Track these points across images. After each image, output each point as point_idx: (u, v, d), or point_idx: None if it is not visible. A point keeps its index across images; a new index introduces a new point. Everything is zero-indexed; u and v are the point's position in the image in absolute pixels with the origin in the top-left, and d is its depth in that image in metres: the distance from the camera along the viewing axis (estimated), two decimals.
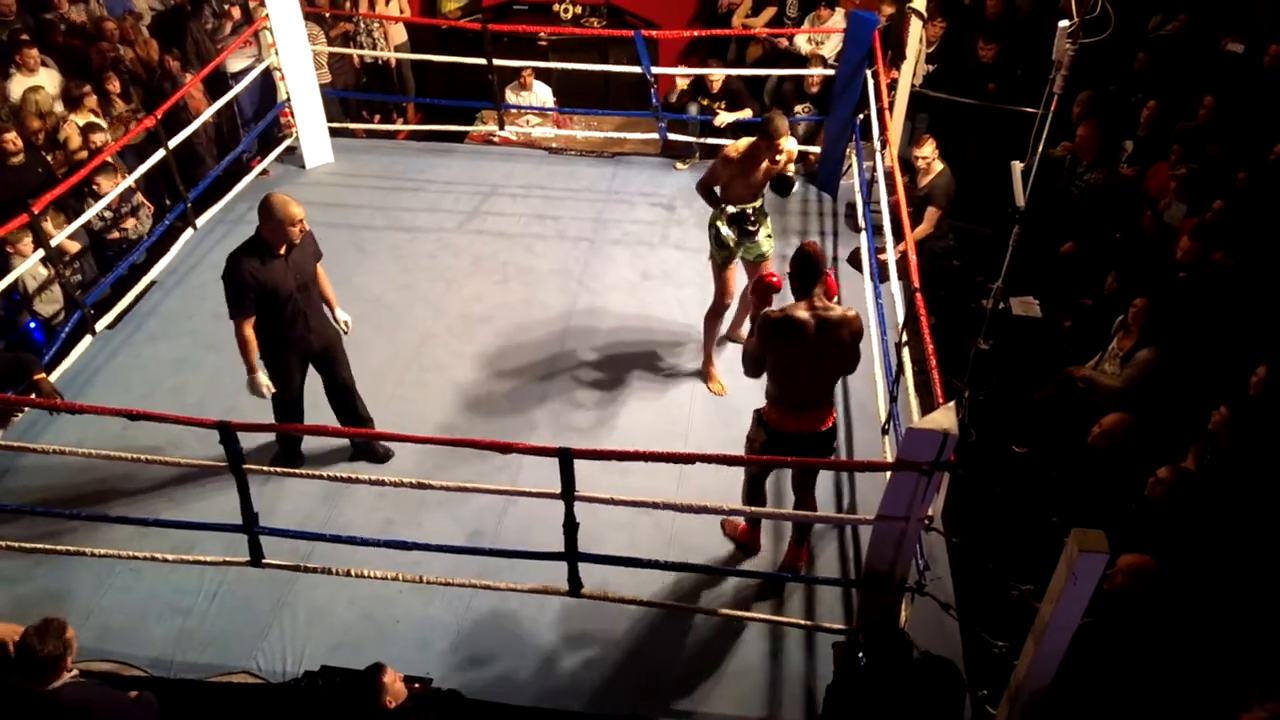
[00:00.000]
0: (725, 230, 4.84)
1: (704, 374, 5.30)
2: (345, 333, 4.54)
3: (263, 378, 4.28)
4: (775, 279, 4.06)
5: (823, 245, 6.48)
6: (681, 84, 7.34)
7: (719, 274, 5.00)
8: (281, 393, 4.43)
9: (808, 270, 3.75)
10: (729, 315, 5.25)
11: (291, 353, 4.36)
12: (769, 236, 5.01)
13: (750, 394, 5.20)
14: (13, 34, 6.80)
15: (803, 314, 3.71)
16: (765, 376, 3.91)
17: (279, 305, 4.17)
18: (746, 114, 6.96)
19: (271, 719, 3.87)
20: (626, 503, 3.68)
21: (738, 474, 4.28)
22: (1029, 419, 5.25)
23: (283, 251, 4.14)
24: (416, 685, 3.54)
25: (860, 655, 3.29)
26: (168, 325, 5.78)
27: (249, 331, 4.17)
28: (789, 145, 4.67)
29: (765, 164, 4.68)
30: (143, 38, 7.42)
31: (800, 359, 3.75)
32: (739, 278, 5.06)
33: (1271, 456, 4.03)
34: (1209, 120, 5.84)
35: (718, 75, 6.92)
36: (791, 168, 4.79)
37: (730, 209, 4.84)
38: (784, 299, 3.93)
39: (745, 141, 4.71)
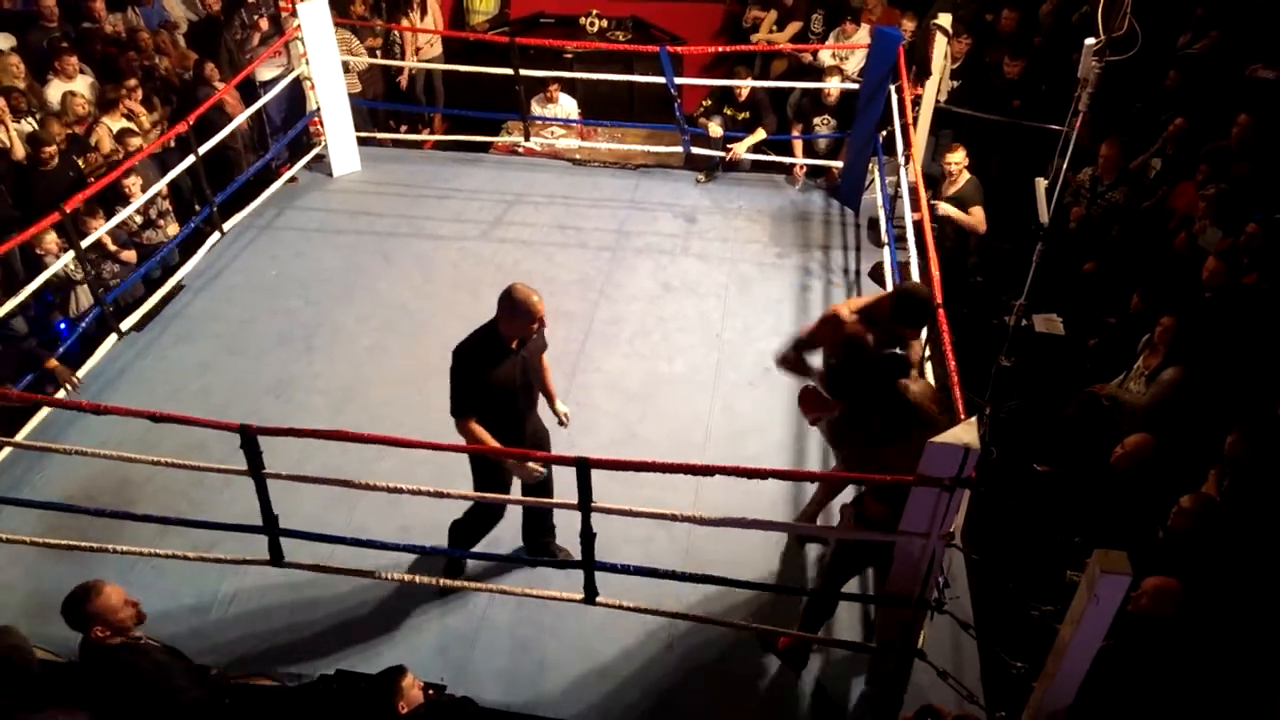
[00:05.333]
0: None
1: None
2: (564, 425, 4.12)
3: (532, 464, 3.74)
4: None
5: (845, 259, 6.49)
6: (707, 103, 7.36)
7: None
8: (496, 484, 3.98)
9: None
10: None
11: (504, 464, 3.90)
12: None
13: (764, 408, 5.19)
14: (53, 41, 6.95)
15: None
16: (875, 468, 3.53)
17: (501, 404, 3.73)
18: (760, 135, 6.95)
19: None
20: (644, 514, 3.67)
21: (755, 486, 4.24)
22: (1051, 437, 5.20)
23: (515, 346, 3.74)
24: (430, 691, 3.55)
25: None
26: (193, 328, 5.86)
27: (476, 427, 3.72)
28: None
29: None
30: (179, 48, 7.58)
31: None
32: None
33: None
34: (1241, 139, 5.76)
35: (744, 86, 6.94)
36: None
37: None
38: None
39: (860, 301, 3.92)
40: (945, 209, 6.05)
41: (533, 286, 6.28)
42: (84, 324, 5.49)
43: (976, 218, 6.14)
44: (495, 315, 3.70)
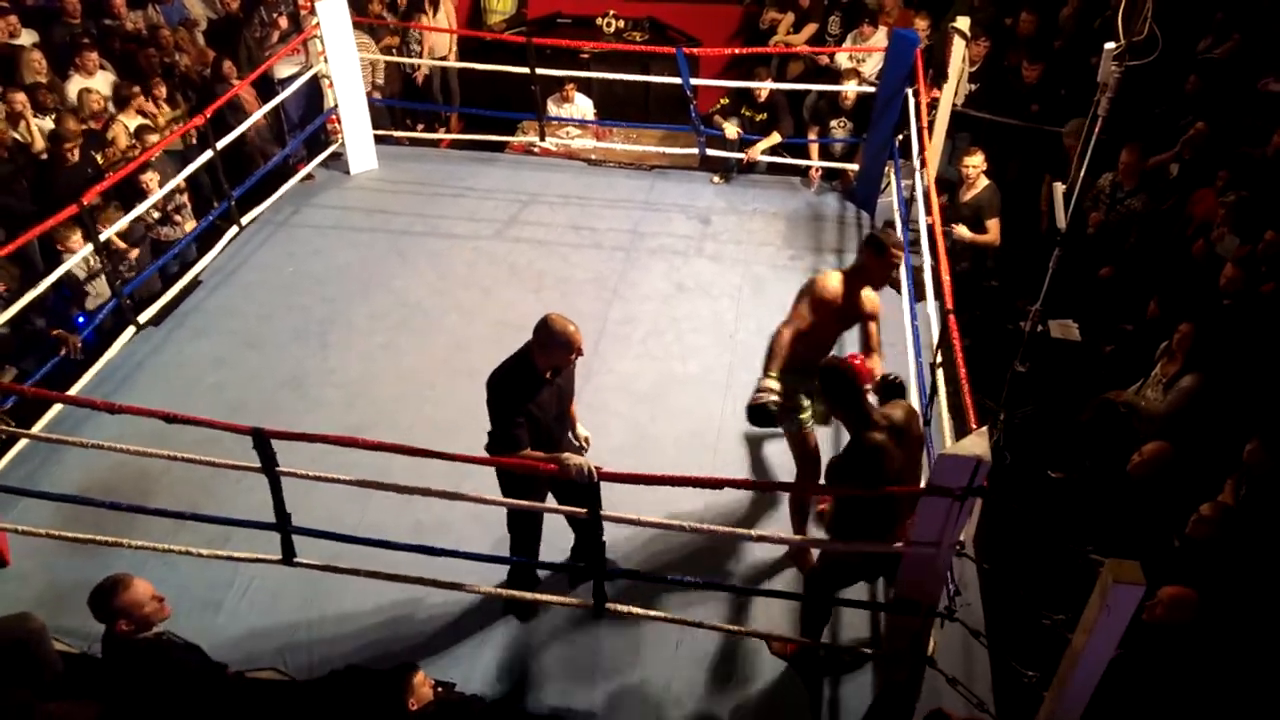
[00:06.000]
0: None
1: (799, 564, 4.37)
2: (585, 449, 4.01)
3: (576, 457, 3.54)
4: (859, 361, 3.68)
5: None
6: (724, 101, 7.35)
7: (799, 440, 4.22)
8: (525, 521, 3.99)
9: (846, 392, 3.34)
10: None
11: (540, 481, 3.85)
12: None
13: None
14: (74, 37, 7.02)
15: (879, 437, 3.32)
16: None
17: (536, 436, 3.64)
18: (775, 139, 6.93)
19: (296, 714, 3.91)
20: (655, 524, 3.66)
21: (766, 495, 4.24)
22: (1065, 444, 5.17)
23: (549, 375, 3.66)
24: (440, 689, 3.57)
25: None
26: (210, 322, 5.90)
27: (527, 451, 3.62)
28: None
29: (865, 293, 3.99)
30: (198, 45, 7.64)
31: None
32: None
33: None
34: None
35: (763, 87, 6.93)
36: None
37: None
38: None
39: (836, 276, 3.96)
40: (960, 232, 6.02)
41: (546, 285, 6.32)
42: (100, 315, 5.53)
43: (992, 233, 6.11)
44: (528, 344, 3.63)
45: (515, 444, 3.59)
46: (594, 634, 4.09)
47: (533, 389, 3.59)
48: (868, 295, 4.02)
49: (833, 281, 3.97)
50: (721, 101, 7.26)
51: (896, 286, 6.01)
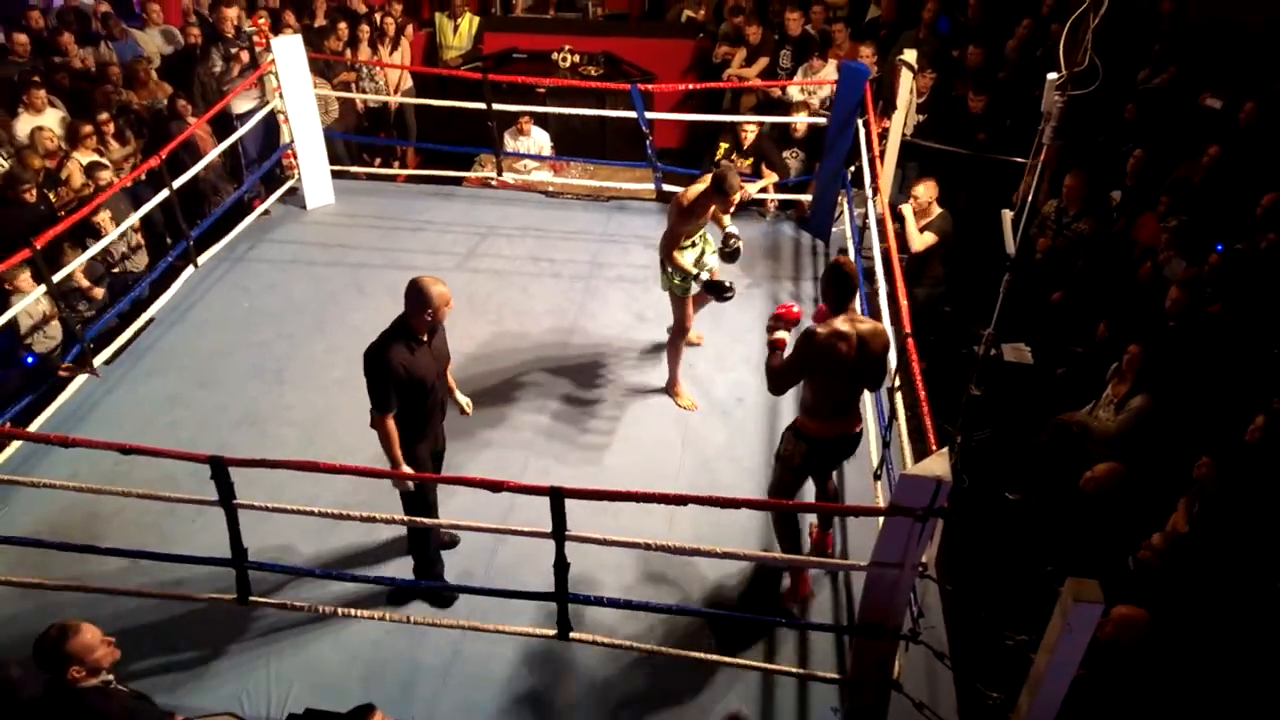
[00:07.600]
0: (687, 260, 5.07)
1: (671, 392, 5.50)
2: (466, 414, 4.34)
3: (410, 470, 3.91)
4: (796, 311, 4.22)
5: (815, 290, 6.55)
6: (724, 147, 7.36)
7: (681, 303, 5.22)
8: (418, 494, 4.04)
9: (844, 285, 3.92)
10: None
11: (426, 447, 4.04)
12: (714, 253, 5.28)
13: (736, 437, 5.21)
14: (23, 75, 6.93)
15: (844, 327, 3.85)
16: (805, 390, 4.06)
17: (422, 397, 3.85)
18: (773, 179, 6.97)
19: None
20: (619, 543, 3.65)
21: (728, 517, 4.24)
22: (1022, 465, 5.25)
23: (426, 337, 3.85)
24: None
25: None
26: (164, 362, 5.79)
27: (392, 425, 3.81)
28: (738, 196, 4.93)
29: (713, 209, 4.98)
30: (152, 81, 7.57)
31: (841, 372, 3.91)
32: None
33: (1266, 503, 4.03)
34: (1211, 170, 5.86)
35: (749, 132, 7.00)
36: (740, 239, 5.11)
37: (698, 253, 5.17)
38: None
39: (695, 191, 4.92)
40: (905, 211, 6.14)
41: (505, 316, 6.30)
42: (68, 358, 5.43)
43: (921, 237, 6.20)
44: (404, 312, 3.80)
45: (386, 406, 3.75)
46: (557, 665, 4.03)
47: (410, 351, 3.76)
48: (715, 209, 5.00)
49: (692, 198, 4.88)
50: (723, 146, 7.26)
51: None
